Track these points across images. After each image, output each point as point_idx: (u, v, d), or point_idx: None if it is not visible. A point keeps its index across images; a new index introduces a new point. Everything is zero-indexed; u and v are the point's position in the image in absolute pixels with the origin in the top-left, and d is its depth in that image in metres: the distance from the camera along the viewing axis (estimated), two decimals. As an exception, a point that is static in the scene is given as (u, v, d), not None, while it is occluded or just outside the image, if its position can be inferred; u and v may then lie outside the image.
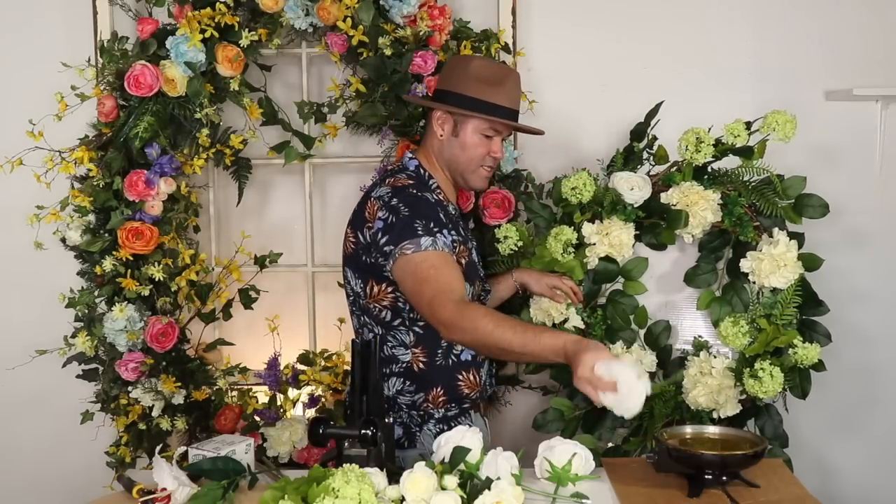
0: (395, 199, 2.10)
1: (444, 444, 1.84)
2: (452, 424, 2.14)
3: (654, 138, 2.62)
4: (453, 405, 2.20)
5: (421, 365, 2.17)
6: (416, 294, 2.05)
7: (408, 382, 2.17)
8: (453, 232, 2.15)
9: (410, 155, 2.27)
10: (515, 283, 2.54)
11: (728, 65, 2.82)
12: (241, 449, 1.99)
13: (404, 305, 2.13)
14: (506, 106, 2.20)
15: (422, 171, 2.23)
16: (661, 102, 2.59)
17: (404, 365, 2.17)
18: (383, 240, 2.08)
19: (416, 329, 2.16)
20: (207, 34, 2.53)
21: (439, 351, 2.17)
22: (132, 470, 2.66)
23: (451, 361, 2.19)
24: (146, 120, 2.56)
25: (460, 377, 2.20)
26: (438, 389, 2.18)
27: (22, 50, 2.86)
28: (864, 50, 2.79)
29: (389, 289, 2.13)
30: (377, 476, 1.75)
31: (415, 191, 2.14)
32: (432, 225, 2.08)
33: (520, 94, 2.28)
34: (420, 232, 2.05)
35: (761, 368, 2.39)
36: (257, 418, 2.77)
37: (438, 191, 2.23)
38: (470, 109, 2.17)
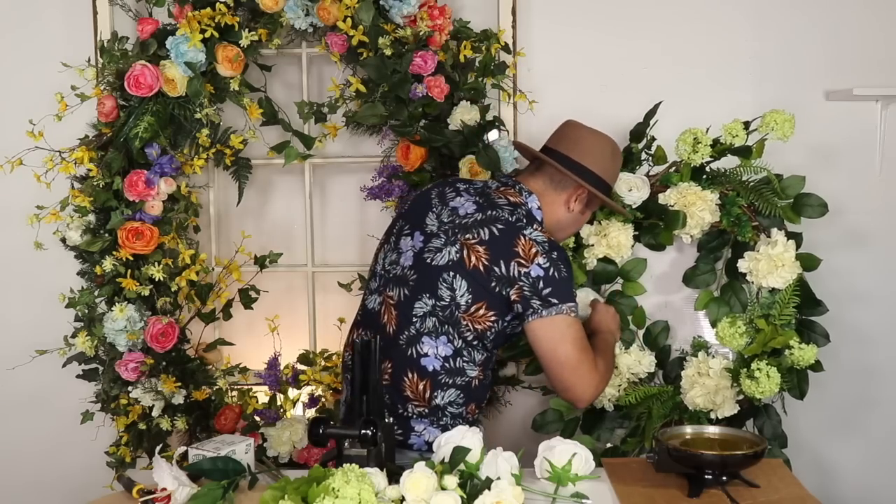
0: (555, 253, 2.13)
1: (444, 444, 1.84)
2: (472, 424, 2.17)
3: (653, 139, 2.62)
4: (478, 412, 2.27)
5: (478, 382, 2.20)
6: (570, 358, 2.12)
7: (462, 395, 2.18)
8: None
9: (538, 205, 2.24)
10: None
11: (728, 65, 2.82)
12: (241, 449, 1.99)
13: (492, 334, 2.16)
14: (611, 189, 2.35)
15: (544, 227, 2.23)
16: (660, 103, 2.59)
17: (467, 379, 2.18)
18: (546, 290, 2.10)
19: (488, 350, 2.20)
20: (207, 34, 2.53)
21: (489, 370, 2.25)
22: (132, 470, 2.66)
23: (490, 377, 2.28)
24: (146, 120, 2.56)
25: (488, 392, 2.31)
26: (474, 404, 2.22)
27: (22, 50, 2.86)
28: (864, 50, 2.79)
29: (494, 317, 2.14)
30: (377, 476, 1.75)
31: (563, 251, 2.18)
32: (576, 292, 2.21)
33: None
34: (575, 299, 2.16)
35: (758, 369, 2.39)
36: (257, 418, 2.77)
37: None
38: (604, 192, 2.27)
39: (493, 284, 2.12)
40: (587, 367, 2.13)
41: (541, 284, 2.10)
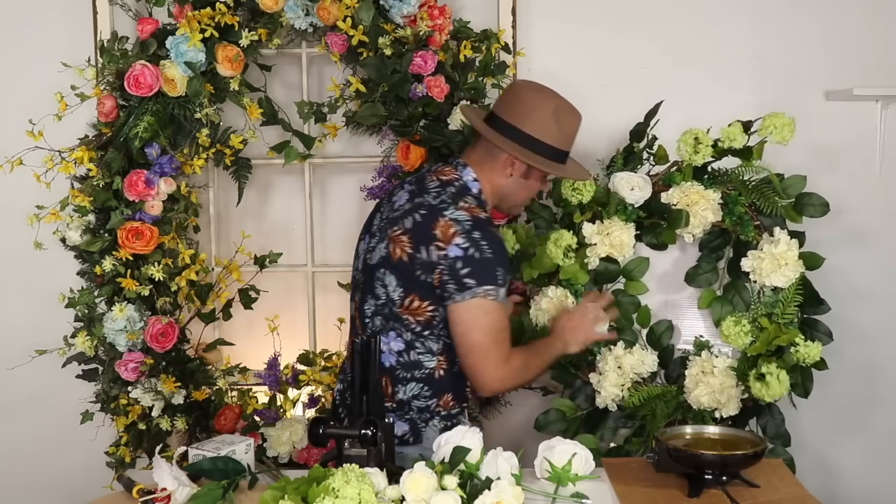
0: (476, 232, 2.06)
1: (444, 444, 1.84)
2: (454, 421, 2.18)
3: (654, 138, 2.62)
4: (456, 405, 2.22)
5: (442, 372, 2.18)
6: (479, 346, 2.08)
7: (426, 388, 2.17)
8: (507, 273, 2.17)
9: (474, 175, 2.19)
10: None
11: (728, 65, 2.82)
12: (241, 449, 1.99)
13: (438, 323, 2.13)
14: (568, 151, 2.24)
15: (483, 198, 2.18)
16: (661, 102, 2.59)
17: (427, 371, 2.17)
18: (464, 271, 2.04)
19: (445, 339, 2.16)
20: (207, 34, 2.53)
21: (457, 359, 2.18)
22: (132, 470, 2.66)
23: (458, 367, 2.20)
24: (146, 120, 2.56)
25: (467, 382, 2.22)
26: (450, 395, 2.20)
27: (22, 50, 2.86)
28: (864, 50, 2.79)
29: (431, 307, 2.11)
30: (377, 476, 1.75)
31: (493, 229, 2.12)
32: (507, 274, 2.11)
33: None
34: (500, 282, 2.08)
35: (769, 372, 2.38)
36: (257, 418, 2.77)
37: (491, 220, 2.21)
38: (551, 158, 2.17)
39: (419, 273, 2.09)
40: (495, 358, 2.09)
41: (459, 265, 2.05)
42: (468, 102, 2.61)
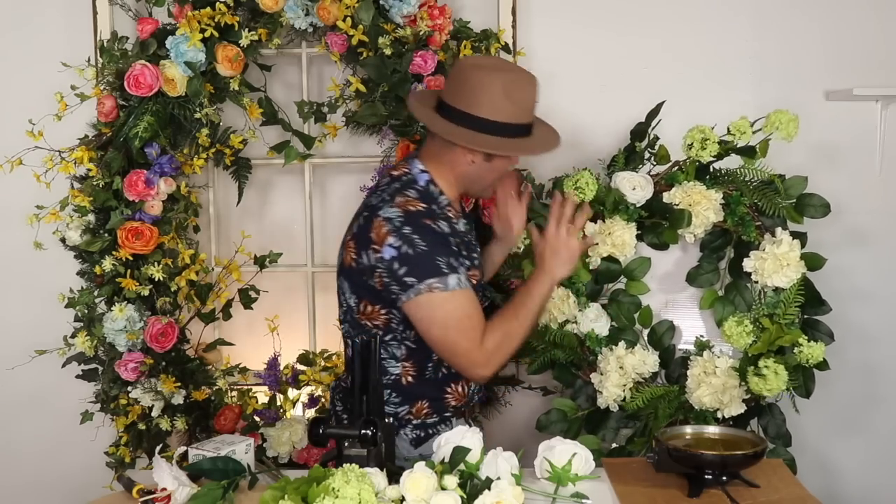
0: (407, 228, 1.99)
1: (444, 445, 1.83)
2: (430, 431, 2.13)
3: (656, 138, 2.62)
4: (435, 415, 2.15)
5: (410, 378, 2.11)
6: (444, 341, 2.02)
7: (394, 395, 2.11)
8: (465, 259, 2.09)
9: (422, 167, 2.11)
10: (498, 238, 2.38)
11: (728, 65, 2.82)
12: (241, 449, 1.99)
13: (398, 326, 2.07)
14: (530, 122, 2.09)
15: (432, 187, 2.10)
16: (663, 102, 2.59)
17: (393, 377, 2.11)
18: (402, 270, 1.98)
19: (408, 343, 2.10)
20: (207, 34, 2.53)
21: (430, 365, 2.11)
22: (132, 470, 2.66)
23: (440, 374, 2.14)
24: (146, 120, 2.56)
25: (448, 389, 2.15)
26: (424, 402, 2.13)
27: (22, 50, 2.85)
28: (864, 50, 2.79)
29: (384, 310, 2.07)
30: (377, 476, 1.75)
31: (428, 221, 2.02)
32: (452, 260, 2.01)
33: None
34: (444, 270, 1.98)
35: (766, 366, 2.39)
36: (257, 418, 2.77)
37: (448, 208, 2.12)
38: (508, 136, 2.03)
39: (365, 278, 2.04)
40: (465, 347, 2.01)
41: (395, 265, 1.98)
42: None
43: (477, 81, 2.03)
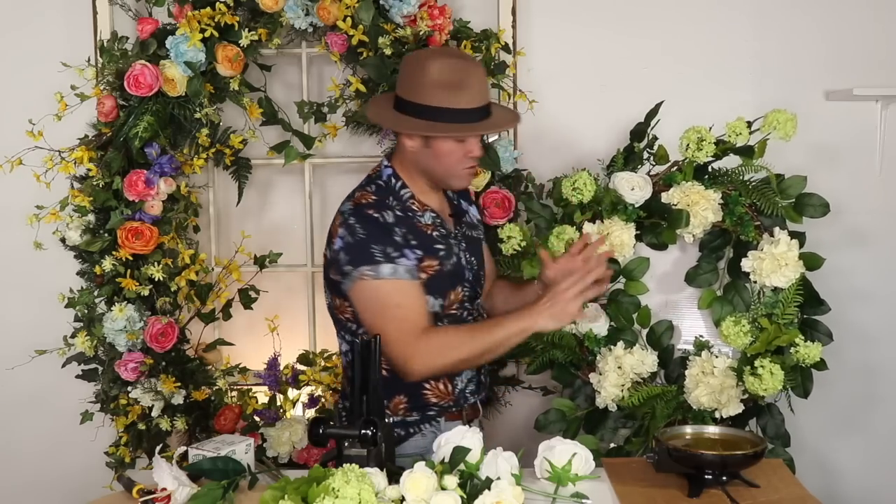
0: (352, 219, 2.05)
1: (444, 444, 1.83)
2: (411, 431, 2.14)
3: (655, 138, 2.62)
4: (415, 413, 2.14)
5: (384, 373, 2.06)
6: (373, 328, 2.04)
7: None
8: (418, 249, 2.07)
9: (386, 162, 2.17)
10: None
11: (728, 64, 2.82)
12: (241, 449, 1.99)
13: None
14: (473, 107, 2.04)
15: (394, 180, 2.13)
16: (662, 102, 2.59)
17: None
18: (344, 259, 2.04)
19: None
20: (207, 34, 2.53)
21: None
22: (132, 470, 2.66)
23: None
24: (146, 120, 2.56)
25: (427, 386, 2.13)
26: (401, 397, 2.13)
27: (22, 50, 2.85)
28: (864, 50, 2.79)
29: (346, 303, 2.10)
30: (377, 476, 1.75)
31: (372, 211, 2.06)
32: (390, 250, 2.03)
33: (486, 85, 2.12)
34: (378, 258, 2.01)
35: (761, 366, 2.39)
36: (257, 418, 2.77)
37: (411, 201, 2.13)
38: (433, 119, 2.02)
39: (329, 272, 2.12)
40: (394, 336, 1.99)
41: (341, 255, 2.05)
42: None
43: (417, 69, 2.06)
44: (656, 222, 2.59)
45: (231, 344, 2.84)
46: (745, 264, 2.52)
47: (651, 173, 2.63)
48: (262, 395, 2.83)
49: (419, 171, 2.14)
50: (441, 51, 2.26)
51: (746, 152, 2.53)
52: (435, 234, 2.15)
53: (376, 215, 2.07)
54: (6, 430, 2.97)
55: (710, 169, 2.61)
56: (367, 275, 2.02)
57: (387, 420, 1.94)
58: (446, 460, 1.79)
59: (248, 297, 2.79)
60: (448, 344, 2.04)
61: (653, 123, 2.60)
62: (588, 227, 2.57)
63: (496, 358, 2.20)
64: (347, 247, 2.04)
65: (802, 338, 2.44)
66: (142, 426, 2.66)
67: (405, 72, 2.10)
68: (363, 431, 1.84)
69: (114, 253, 2.59)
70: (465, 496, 1.72)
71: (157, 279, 2.61)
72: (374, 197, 2.10)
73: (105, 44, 2.66)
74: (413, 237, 2.08)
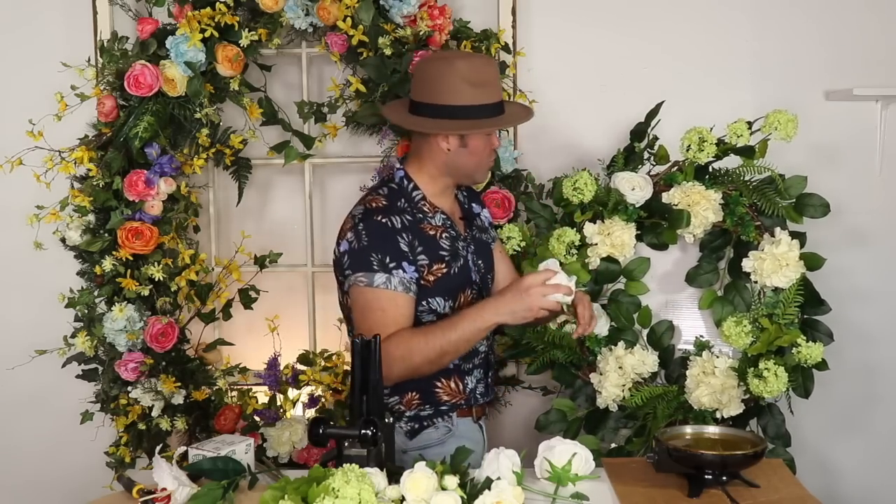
0: (361, 224, 2.09)
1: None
2: (425, 424, 2.15)
3: (655, 138, 2.62)
4: (427, 407, 2.17)
5: None
6: (358, 332, 2.07)
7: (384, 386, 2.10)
8: (423, 256, 2.09)
9: (399, 165, 2.19)
10: None
11: (728, 64, 2.82)
12: (241, 449, 1.99)
13: None
14: (497, 101, 2.12)
15: (406, 182, 2.15)
16: (662, 102, 2.59)
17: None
18: (346, 262, 2.09)
19: None
20: (207, 34, 2.53)
21: None
22: (132, 470, 2.66)
23: None
24: (146, 120, 2.56)
25: (439, 384, 2.16)
26: (414, 394, 2.15)
27: (22, 50, 2.86)
28: (864, 50, 2.79)
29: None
30: (377, 476, 1.75)
31: (380, 216, 2.08)
32: (388, 260, 2.05)
33: (500, 79, 2.21)
34: (375, 267, 2.04)
35: (766, 368, 2.39)
36: (257, 418, 2.77)
37: (422, 202, 2.15)
38: (469, 118, 2.08)
39: (337, 271, 2.16)
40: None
41: (345, 258, 2.10)
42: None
43: (436, 73, 2.11)
44: (657, 222, 2.59)
45: (231, 344, 2.84)
46: (746, 264, 2.52)
47: (651, 173, 2.63)
48: (262, 395, 2.83)
49: (447, 171, 2.16)
50: (458, 52, 2.31)
51: (747, 152, 2.54)
52: (443, 235, 2.17)
53: (384, 220, 2.09)
54: (6, 430, 2.97)
55: (710, 169, 2.61)
56: (362, 281, 2.06)
57: (387, 420, 1.94)
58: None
59: (248, 297, 2.79)
60: (400, 358, 2.01)
61: (653, 123, 2.60)
62: (588, 227, 2.58)
63: (464, 354, 2.14)
64: (351, 251, 2.09)
65: (804, 338, 2.44)
66: (142, 426, 2.66)
67: (428, 76, 2.12)
68: (363, 431, 1.84)
69: (114, 253, 2.59)
70: (465, 496, 1.72)
71: (157, 279, 2.61)
72: (384, 202, 2.13)
73: (105, 44, 2.66)
74: (419, 243, 2.11)
